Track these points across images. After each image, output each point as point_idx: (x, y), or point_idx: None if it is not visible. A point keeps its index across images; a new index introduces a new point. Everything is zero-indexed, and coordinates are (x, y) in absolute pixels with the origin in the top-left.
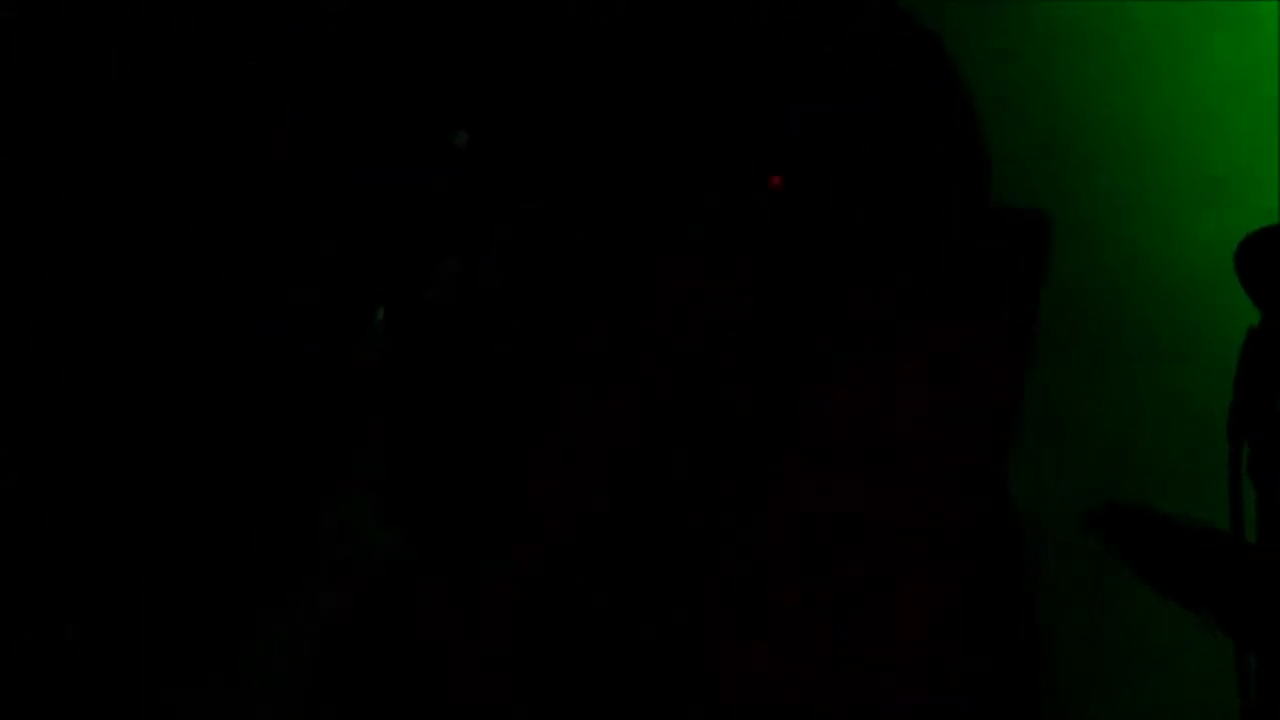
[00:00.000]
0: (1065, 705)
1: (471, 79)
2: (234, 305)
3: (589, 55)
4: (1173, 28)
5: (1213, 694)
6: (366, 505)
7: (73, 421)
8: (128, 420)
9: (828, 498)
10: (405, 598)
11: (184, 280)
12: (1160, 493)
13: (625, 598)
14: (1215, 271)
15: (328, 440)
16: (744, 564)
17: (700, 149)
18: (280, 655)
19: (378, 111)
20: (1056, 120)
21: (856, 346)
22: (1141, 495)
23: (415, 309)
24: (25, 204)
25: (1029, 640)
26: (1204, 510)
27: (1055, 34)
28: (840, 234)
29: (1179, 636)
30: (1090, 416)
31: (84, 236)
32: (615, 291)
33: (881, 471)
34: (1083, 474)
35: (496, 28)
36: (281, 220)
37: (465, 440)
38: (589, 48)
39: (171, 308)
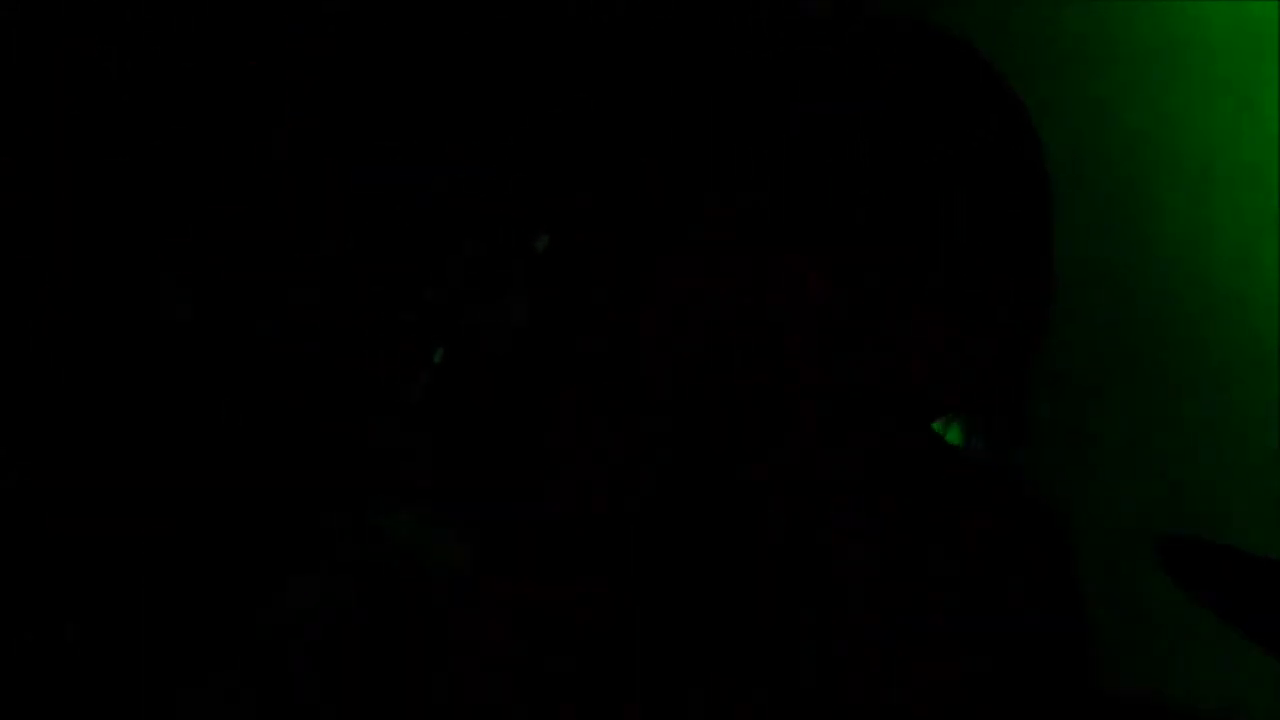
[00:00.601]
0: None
1: (472, 78)
2: (233, 305)
3: (588, 54)
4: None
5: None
6: (419, 514)
7: (72, 421)
8: (128, 420)
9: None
10: (416, 598)
11: (182, 280)
12: (1224, 524)
13: (627, 599)
14: (1276, 298)
15: (340, 442)
16: (744, 563)
17: (701, 149)
18: (282, 654)
19: (378, 111)
20: (1129, 150)
21: (856, 346)
22: (1204, 527)
23: (471, 343)
24: (25, 204)
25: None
26: (1256, 540)
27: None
28: (842, 234)
29: (1241, 671)
30: (1151, 447)
31: (84, 236)
32: (615, 291)
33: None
34: (1144, 505)
35: (495, 25)
36: (282, 220)
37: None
38: (588, 46)
39: (170, 308)
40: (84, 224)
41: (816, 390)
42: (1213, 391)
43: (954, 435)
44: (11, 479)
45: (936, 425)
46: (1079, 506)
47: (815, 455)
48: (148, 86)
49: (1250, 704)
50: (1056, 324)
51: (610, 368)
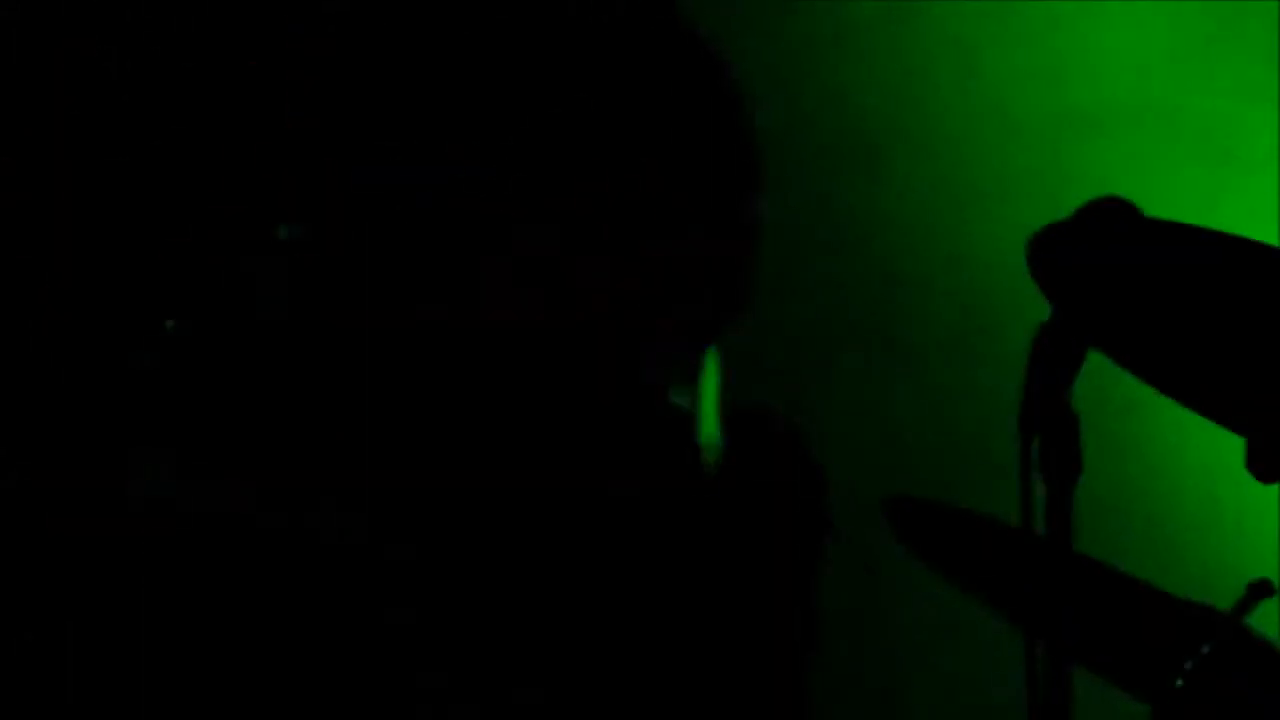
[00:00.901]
0: (839, 692)
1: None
2: (234, 304)
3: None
4: (951, 29)
5: (1002, 689)
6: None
7: (70, 421)
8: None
9: None
10: None
11: (182, 280)
12: (952, 488)
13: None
14: (1008, 267)
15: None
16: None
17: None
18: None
19: (378, 111)
20: (849, 121)
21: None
22: (933, 491)
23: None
24: (24, 204)
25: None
26: (995, 505)
27: (846, 34)
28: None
29: (966, 630)
30: (882, 412)
31: (83, 236)
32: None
33: None
34: (872, 468)
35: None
36: (283, 219)
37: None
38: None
39: (170, 308)
40: (83, 224)
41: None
42: (938, 358)
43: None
44: (12, 479)
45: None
46: None
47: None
48: (147, 87)
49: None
50: (786, 294)
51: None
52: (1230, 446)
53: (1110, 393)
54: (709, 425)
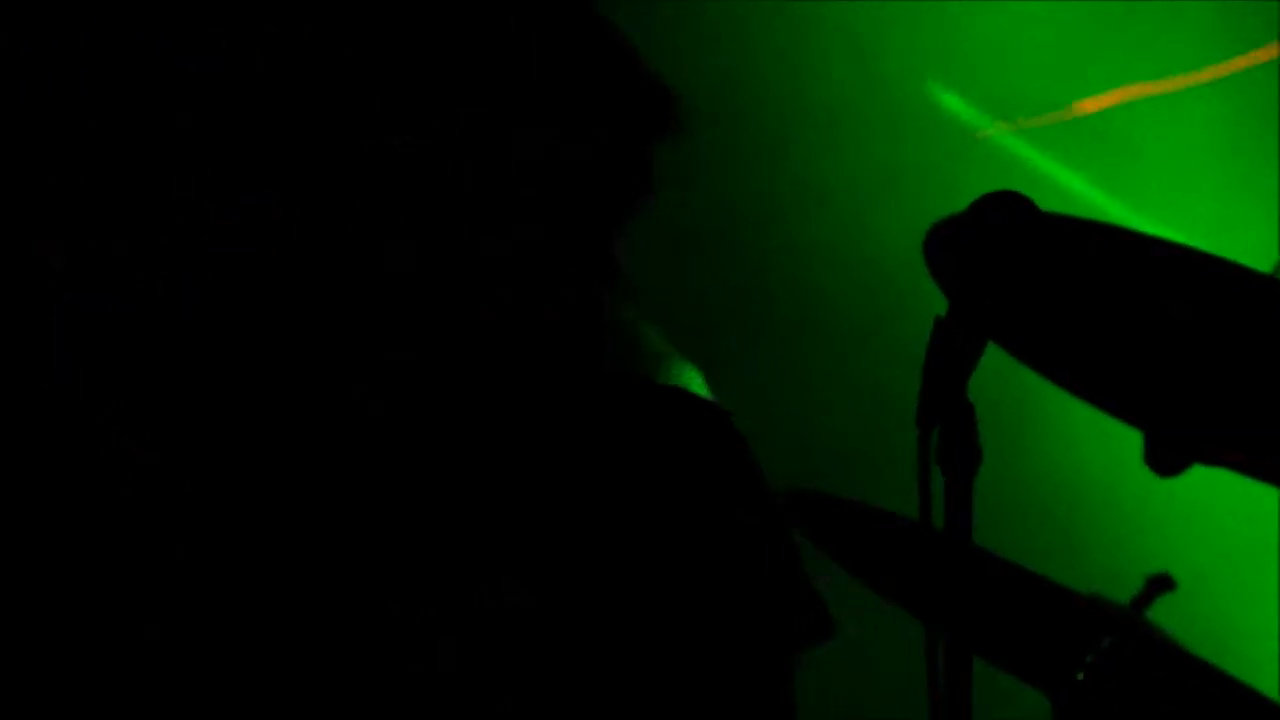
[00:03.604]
0: None
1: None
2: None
3: None
4: (844, 22)
5: (902, 682)
6: None
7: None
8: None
9: None
10: None
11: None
12: (851, 481)
13: None
14: (902, 261)
15: None
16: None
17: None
18: None
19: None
20: (735, 111)
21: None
22: (832, 484)
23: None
24: (24, 203)
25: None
26: (894, 498)
27: (726, 26)
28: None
29: (867, 623)
30: (781, 405)
31: (81, 236)
32: None
33: None
34: (771, 462)
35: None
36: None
37: None
38: None
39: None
40: (83, 223)
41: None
42: (837, 350)
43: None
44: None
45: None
46: None
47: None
48: (147, 87)
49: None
50: (681, 287)
51: None
52: (1131, 439)
53: (1009, 385)
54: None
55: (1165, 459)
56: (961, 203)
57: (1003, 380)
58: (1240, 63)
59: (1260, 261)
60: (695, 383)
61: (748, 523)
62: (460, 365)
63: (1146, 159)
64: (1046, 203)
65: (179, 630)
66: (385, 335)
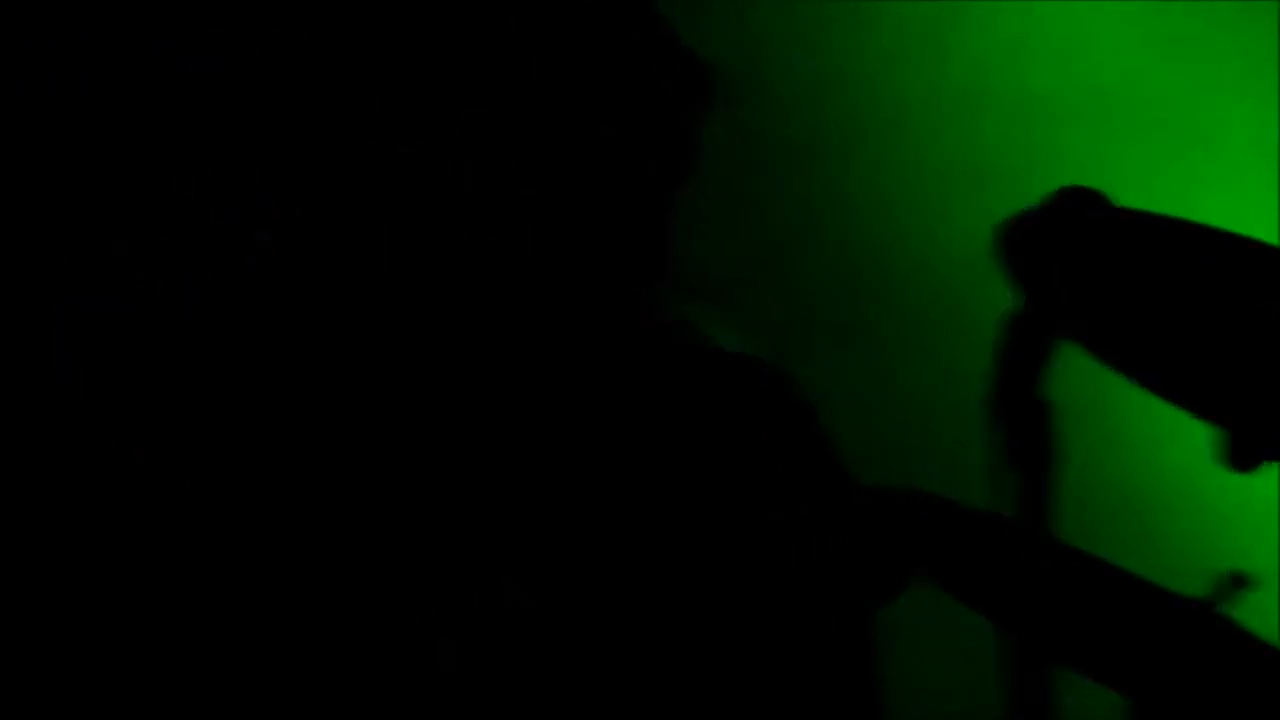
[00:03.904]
0: None
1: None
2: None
3: None
4: (928, 14)
5: (976, 683)
6: None
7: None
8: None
9: None
10: None
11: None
12: (922, 477)
13: None
14: (975, 255)
15: None
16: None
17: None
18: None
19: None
20: (819, 110)
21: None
22: (904, 479)
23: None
24: (24, 203)
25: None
26: (963, 495)
27: (815, 24)
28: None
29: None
30: (855, 400)
31: (81, 236)
32: None
33: None
34: (847, 461)
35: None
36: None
37: None
38: None
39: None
40: (81, 223)
41: None
42: (906, 346)
43: None
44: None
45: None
46: None
47: None
48: (147, 87)
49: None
50: (753, 284)
51: None
52: (1203, 435)
53: (1086, 382)
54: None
55: (1242, 456)
56: (1035, 196)
57: (1080, 377)
58: None
59: None
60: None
61: (805, 488)
62: (461, 365)
63: (1232, 154)
64: (1128, 198)
65: (179, 630)
66: (385, 335)
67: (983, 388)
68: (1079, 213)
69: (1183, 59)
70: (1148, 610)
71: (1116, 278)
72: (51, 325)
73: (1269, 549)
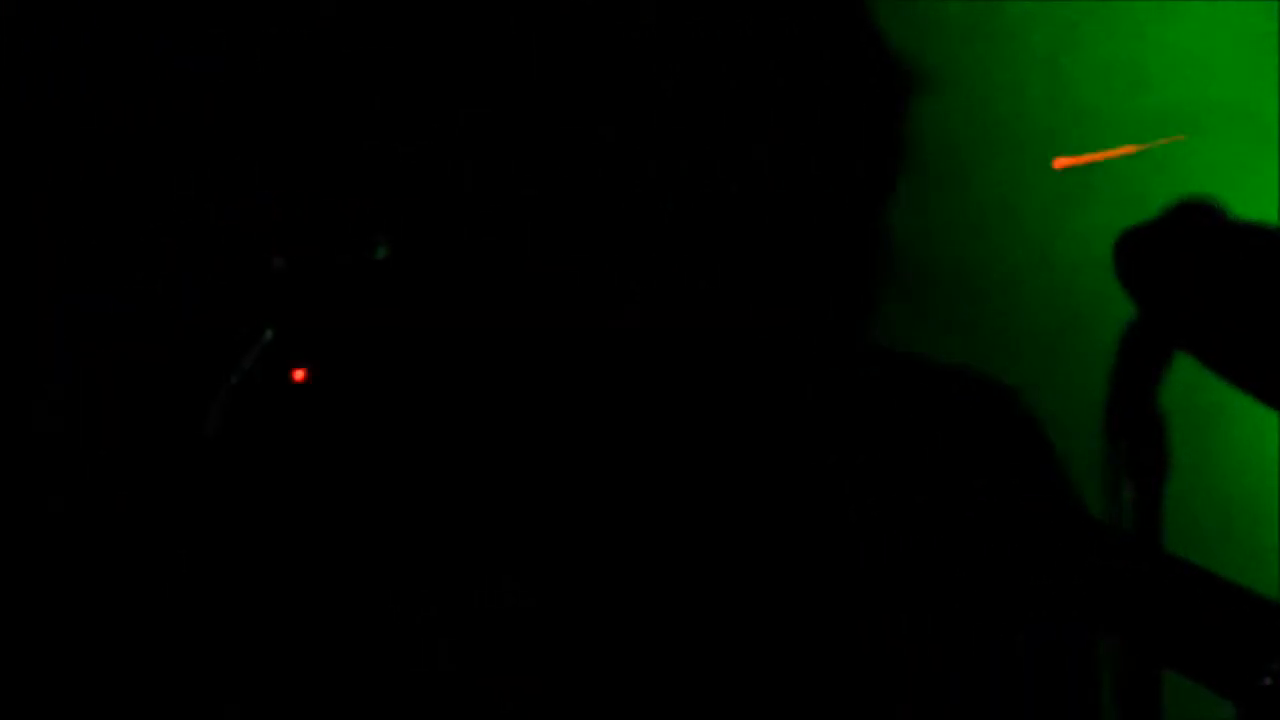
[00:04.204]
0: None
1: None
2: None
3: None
4: (1050, 22)
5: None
6: None
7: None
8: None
9: None
10: None
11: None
12: None
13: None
14: (1095, 267)
15: None
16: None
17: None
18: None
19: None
20: (938, 125)
21: None
22: None
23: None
24: (24, 203)
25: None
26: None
27: (936, 31)
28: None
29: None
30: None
31: (81, 236)
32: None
33: None
34: None
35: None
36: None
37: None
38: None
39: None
40: (80, 224)
41: None
42: (1025, 358)
43: None
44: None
45: None
46: None
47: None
48: (146, 87)
49: None
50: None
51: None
52: None
53: (1199, 394)
54: None
55: None
56: (1153, 210)
57: (1190, 389)
58: None
59: None
60: None
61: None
62: (462, 366)
63: None
64: (1246, 211)
65: (179, 630)
66: (384, 335)
67: (1100, 400)
68: (1196, 224)
69: None
70: (1257, 617)
71: (1234, 289)
72: (51, 325)
73: None
